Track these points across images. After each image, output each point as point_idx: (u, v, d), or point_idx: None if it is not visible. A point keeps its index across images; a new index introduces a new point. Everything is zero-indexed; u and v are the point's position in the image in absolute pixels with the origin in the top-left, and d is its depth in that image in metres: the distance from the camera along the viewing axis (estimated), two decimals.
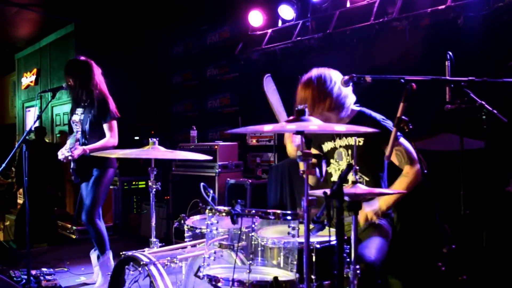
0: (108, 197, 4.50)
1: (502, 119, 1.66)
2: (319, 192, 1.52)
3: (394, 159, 2.00)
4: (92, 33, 6.10)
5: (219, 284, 1.56)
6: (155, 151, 2.28)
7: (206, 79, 5.79)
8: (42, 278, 3.32)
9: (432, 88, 1.81)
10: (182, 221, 2.13)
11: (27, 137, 3.01)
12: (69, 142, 3.12)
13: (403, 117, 1.57)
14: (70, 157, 3.02)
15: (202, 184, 1.93)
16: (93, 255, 3.31)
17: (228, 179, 4.04)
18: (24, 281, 3.16)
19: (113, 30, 6.10)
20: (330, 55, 3.86)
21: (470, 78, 1.64)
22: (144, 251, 2.08)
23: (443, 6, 3.07)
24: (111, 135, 3.10)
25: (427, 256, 2.38)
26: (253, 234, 1.65)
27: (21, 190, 6.55)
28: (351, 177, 1.57)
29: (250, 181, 3.88)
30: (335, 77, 2.09)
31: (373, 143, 2.02)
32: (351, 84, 2.09)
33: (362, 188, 1.57)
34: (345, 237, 1.59)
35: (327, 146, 2.22)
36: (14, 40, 7.64)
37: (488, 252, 1.92)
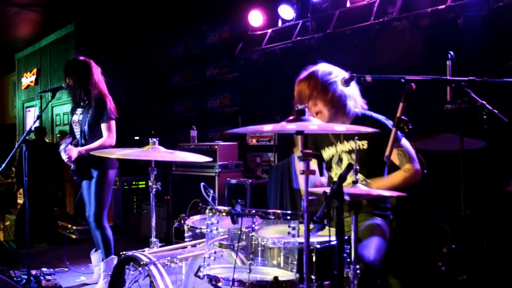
0: None
1: (502, 119, 1.66)
2: (319, 192, 1.52)
3: (395, 159, 2.00)
4: (92, 33, 6.10)
5: (219, 284, 1.55)
6: (155, 151, 2.27)
7: (206, 79, 5.79)
8: (42, 278, 3.32)
9: (432, 88, 1.81)
10: (182, 221, 2.13)
11: (27, 137, 3.01)
12: (61, 146, 3.07)
13: (403, 117, 1.57)
14: (67, 160, 3.03)
15: (202, 184, 1.93)
16: (94, 255, 3.31)
17: (228, 179, 4.04)
18: (24, 281, 3.16)
19: (113, 30, 6.10)
20: (330, 55, 3.84)
21: (470, 78, 1.64)
22: (144, 251, 2.08)
23: (443, 6, 3.07)
24: (108, 135, 3.08)
25: (427, 256, 2.38)
26: (253, 234, 1.65)
27: (21, 190, 6.55)
28: (351, 177, 1.57)
29: (250, 181, 3.87)
30: (338, 72, 2.07)
31: (377, 145, 1.99)
32: (358, 87, 2.11)
33: (362, 188, 1.57)
34: (345, 237, 1.59)
35: (328, 152, 2.20)
36: (14, 40, 7.64)
37: (488, 252, 1.91)
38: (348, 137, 2.10)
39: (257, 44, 4.56)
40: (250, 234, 1.65)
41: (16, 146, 3.07)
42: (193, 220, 2.21)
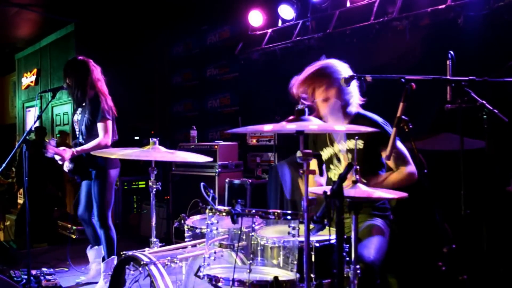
0: None
1: (503, 118, 1.66)
2: (319, 191, 1.52)
3: (390, 161, 2.00)
4: (92, 33, 6.10)
5: (219, 284, 1.55)
6: (155, 152, 2.27)
7: (206, 79, 5.79)
8: (42, 278, 3.32)
9: (432, 87, 1.81)
10: (182, 221, 2.13)
11: (27, 137, 3.01)
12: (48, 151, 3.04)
13: (403, 116, 1.57)
14: (60, 161, 3.03)
15: (202, 184, 1.93)
16: (90, 252, 3.31)
17: (228, 179, 4.04)
18: (24, 281, 3.16)
19: (113, 30, 6.10)
20: (330, 55, 3.84)
21: (470, 77, 1.64)
22: (144, 251, 2.08)
23: (443, 6, 3.06)
24: (103, 135, 3.05)
25: (427, 256, 2.38)
26: (253, 234, 1.65)
27: (21, 190, 6.55)
28: (351, 177, 1.57)
29: (250, 181, 3.87)
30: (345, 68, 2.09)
31: (373, 145, 2.01)
32: (357, 86, 2.11)
33: (362, 189, 1.57)
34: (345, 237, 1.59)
35: (326, 152, 2.20)
36: (14, 40, 7.64)
37: (488, 252, 1.91)
38: (346, 136, 2.11)
39: (257, 44, 4.55)
40: (250, 234, 1.65)
41: (16, 146, 3.07)
42: (193, 220, 2.21)
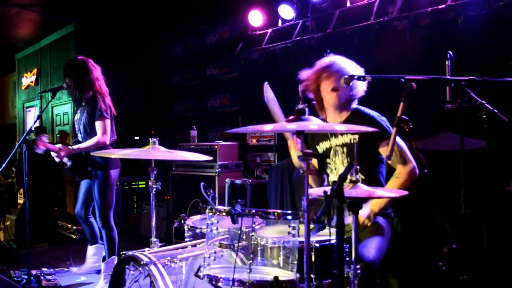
0: None
1: (502, 118, 1.66)
2: (319, 192, 1.52)
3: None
4: (92, 33, 6.09)
5: (219, 284, 1.55)
6: (155, 151, 2.27)
7: (206, 79, 5.79)
8: (42, 278, 3.32)
9: (433, 87, 1.81)
10: (182, 221, 2.13)
11: (27, 137, 3.02)
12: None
13: (403, 116, 1.57)
14: (56, 158, 3.02)
15: (202, 184, 1.93)
16: (90, 248, 3.32)
17: (228, 179, 4.04)
18: (24, 281, 3.16)
19: (113, 30, 6.10)
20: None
21: (470, 77, 1.64)
22: (144, 251, 2.08)
23: (443, 6, 3.06)
24: (101, 134, 3.05)
25: (427, 256, 2.38)
26: (253, 234, 1.65)
27: (21, 190, 6.54)
28: (351, 177, 1.57)
29: (250, 181, 3.87)
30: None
31: (368, 139, 2.02)
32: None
33: (362, 189, 1.56)
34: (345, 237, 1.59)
35: (322, 146, 2.22)
36: (14, 41, 7.63)
37: (489, 251, 1.91)
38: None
39: (257, 44, 4.55)
40: (250, 234, 1.65)
41: (16, 146, 3.07)
42: (193, 220, 2.21)
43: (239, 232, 1.68)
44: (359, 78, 1.83)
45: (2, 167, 2.84)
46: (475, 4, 2.92)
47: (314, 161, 1.49)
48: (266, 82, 2.23)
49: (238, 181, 3.95)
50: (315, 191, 1.58)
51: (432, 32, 3.19)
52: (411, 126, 1.56)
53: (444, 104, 1.85)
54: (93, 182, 3.13)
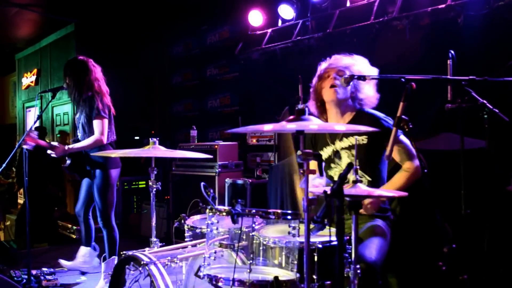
0: None
1: (503, 118, 1.66)
2: (319, 191, 1.52)
3: (395, 155, 2.02)
4: (92, 33, 6.09)
5: (220, 284, 1.55)
6: (155, 150, 2.28)
7: (206, 79, 5.79)
8: (42, 277, 3.32)
9: (433, 87, 1.81)
10: (183, 221, 2.13)
11: None
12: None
13: (403, 116, 1.57)
14: (53, 155, 3.02)
15: (202, 183, 1.93)
16: (83, 248, 3.32)
17: (228, 178, 4.04)
18: (24, 281, 3.16)
19: (113, 30, 6.10)
20: (330, 55, 3.85)
21: (471, 77, 1.64)
22: (144, 251, 2.08)
23: (443, 5, 3.06)
24: (98, 133, 3.04)
25: (427, 256, 2.38)
26: (253, 233, 1.65)
27: (21, 190, 6.55)
28: (351, 177, 1.57)
29: (250, 180, 3.87)
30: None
31: (377, 141, 2.02)
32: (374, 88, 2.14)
33: (362, 189, 1.56)
34: (347, 237, 1.59)
35: (326, 151, 2.21)
36: (14, 41, 7.63)
37: (489, 251, 1.91)
38: (347, 133, 2.12)
39: (257, 44, 4.55)
40: (251, 234, 1.65)
41: (16, 146, 3.07)
42: (193, 220, 2.21)
43: (239, 232, 1.68)
44: (359, 77, 1.83)
45: (2, 167, 2.84)
46: (475, 4, 2.92)
47: (313, 164, 1.49)
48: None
49: (238, 181, 3.95)
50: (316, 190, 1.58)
51: (432, 32, 3.19)
52: (411, 126, 1.56)
53: (444, 104, 1.85)
54: (93, 182, 3.13)
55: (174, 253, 2.04)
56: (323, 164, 2.21)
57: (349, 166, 1.41)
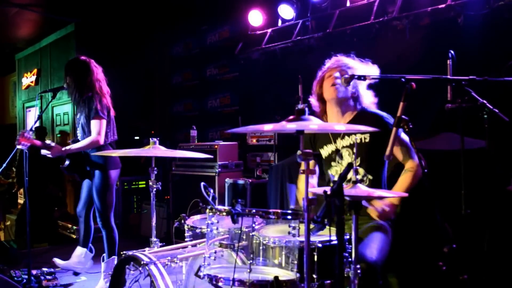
0: None
1: (503, 118, 1.66)
2: (319, 191, 1.52)
3: (397, 154, 2.03)
4: (92, 33, 6.10)
5: (220, 284, 1.55)
6: (155, 149, 2.28)
7: (206, 79, 5.79)
8: (42, 277, 3.32)
9: (433, 87, 1.81)
10: (183, 221, 2.13)
11: None
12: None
13: (403, 116, 1.57)
14: (50, 155, 3.02)
15: (202, 183, 1.93)
16: (79, 249, 3.32)
17: (228, 178, 4.04)
18: (25, 280, 3.16)
19: (113, 30, 6.10)
20: (330, 55, 3.85)
21: (471, 77, 1.64)
22: (144, 251, 2.08)
23: (443, 5, 3.06)
24: (95, 133, 3.02)
25: (428, 256, 2.37)
26: (253, 233, 1.65)
27: (21, 190, 6.55)
28: (352, 177, 1.57)
29: (250, 180, 3.87)
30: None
31: (380, 140, 2.02)
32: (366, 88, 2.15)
33: (362, 189, 1.56)
34: (347, 237, 1.59)
35: (326, 149, 2.20)
36: (14, 41, 7.63)
37: (489, 251, 1.91)
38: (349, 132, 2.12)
39: (257, 44, 4.55)
40: (251, 234, 1.65)
41: (16, 146, 3.07)
42: (193, 220, 2.21)
43: (239, 232, 1.68)
44: (359, 77, 1.83)
45: (2, 167, 2.84)
46: (475, 4, 2.92)
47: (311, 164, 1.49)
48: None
49: (238, 181, 3.95)
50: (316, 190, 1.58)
51: (432, 31, 3.19)
52: (411, 126, 1.56)
53: (444, 104, 1.85)
54: (93, 183, 3.13)
55: (174, 253, 2.04)
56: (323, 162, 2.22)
57: (349, 166, 1.41)
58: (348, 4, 3.78)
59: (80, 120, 3.15)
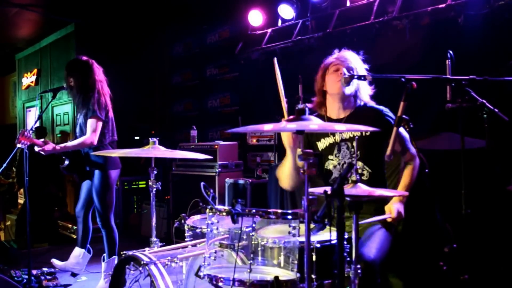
0: None
1: (503, 117, 1.65)
2: (319, 191, 1.51)
3: (397, 147, 2.03)
4: (92, 33, 6.10)
5: (220, 284, 1.55)
6: (155, 150, 2.28)
7: (206, 79, 5.79)
8: (43, 277, 3.32)
9: (433, 87, 1.81)
10: (183, 221, 2.13)
11: None
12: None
13: (403, 116, 1.57)
14: (42, 153, 2.99)
15: (202, 183, 1.93)
16: (77, 249, 3.32)
17: (228, 178, 4.04)
18: (25, 280, 3.16)
19: (113, 30, 6.10)
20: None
21: (471, 76, 1.64)
22: (144, 251, 2.08)
23: (443, 5, 3.06)
24: (90, 133, 3.01)
25: (428, 256, 2.38)
26: (253, 233, 1.65)
27: (22, 190, 6.55)
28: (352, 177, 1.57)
29: (250, 180, 3.87)
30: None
31: (380, 133, 2.01)
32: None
33: (362, 188, 1.56)
34: (346, 236, 1.58)
35: (324, 142, 2.18)
36: (14, 41, 7.64)
37: (489, 251, 1.91)
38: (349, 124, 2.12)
39: (257, 43, 4.55)
40: (251, 234, 1.65)
41: (16, 146, 3.07)
42: (194, 219, 2.21)
43: (240, 232, 1.67)
44: (359, 77, 1.83)
45: (2, 167, 2.84)
46: (475, 3, 2.92)
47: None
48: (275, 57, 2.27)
49: (238, 181, 3.95)
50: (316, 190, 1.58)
51: (432, 31, 3.19)
52: (411, 126, 1.56)
53: (444, 104, 1.85)
54: (93, 183, 3.13)
55: (174, 253, 2.04)
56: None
57: (349, 166, 1.40)
58: (348, 4, 3.78)
59: (79, 120, 3.15)
